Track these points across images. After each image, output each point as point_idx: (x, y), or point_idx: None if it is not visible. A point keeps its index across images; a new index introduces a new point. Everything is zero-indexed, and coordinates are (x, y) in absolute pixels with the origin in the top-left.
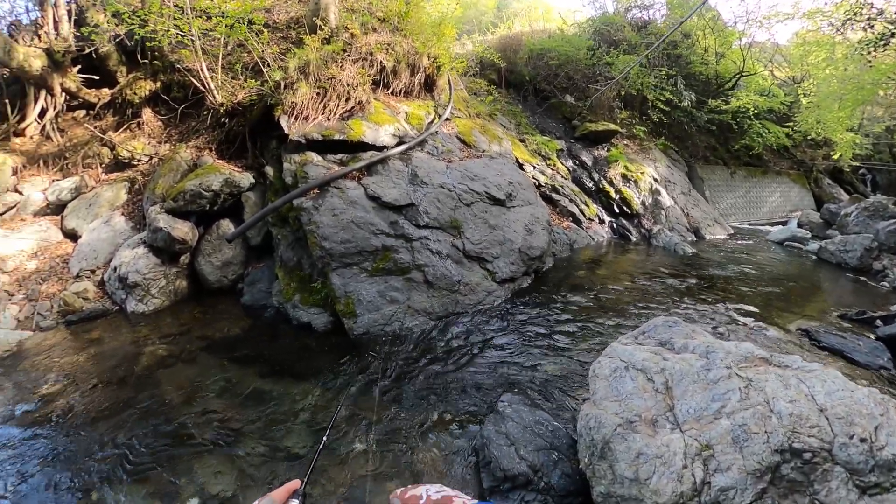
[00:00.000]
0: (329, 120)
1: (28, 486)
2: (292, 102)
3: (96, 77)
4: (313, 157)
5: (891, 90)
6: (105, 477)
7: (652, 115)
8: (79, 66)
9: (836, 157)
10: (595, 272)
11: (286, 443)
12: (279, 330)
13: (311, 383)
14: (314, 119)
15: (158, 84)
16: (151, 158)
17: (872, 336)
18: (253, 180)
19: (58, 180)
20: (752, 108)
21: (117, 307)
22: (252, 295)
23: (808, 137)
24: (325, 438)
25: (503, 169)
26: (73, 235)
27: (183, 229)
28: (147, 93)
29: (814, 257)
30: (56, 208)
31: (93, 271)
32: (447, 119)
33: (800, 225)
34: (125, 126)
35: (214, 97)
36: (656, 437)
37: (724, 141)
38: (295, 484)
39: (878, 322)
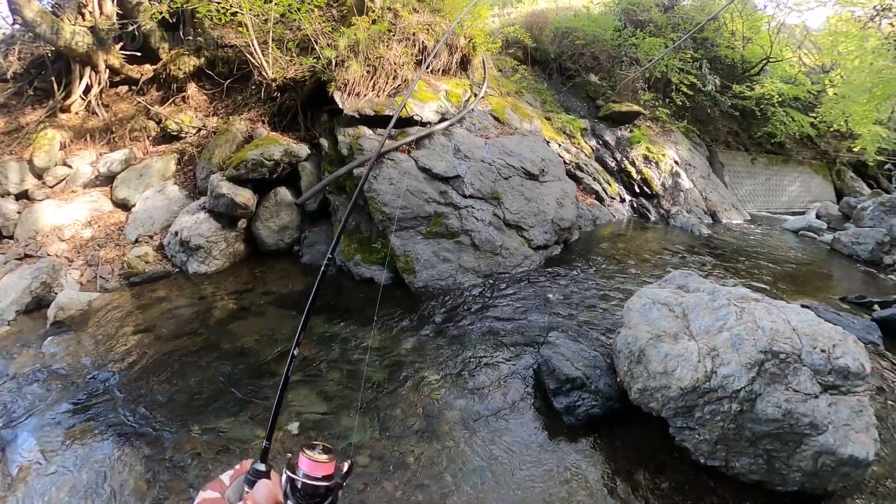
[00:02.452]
0: (378, 97)
1: (129, 424)
2: (345, 79)
3: (138, 53)
4: (366, 130)
5: None
6: (202, 409)
7: (675, 98)
8: (121, 44)
9: (857, 148)
10: (617, 245)
11: (363, 373)
12: (342, 285)
13: (378, 326)
14: (365, 95)
15: (202, 60)
16: (199, 130)
17: (868, 317)
18: (309, 151)
19: (105, 153)
20: (777, 96)
21: (177, 269)
22: (311, 255)
23: (834, 128)
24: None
25: (535, 146)
26: (123, 205)
27: (245, 195)
28: (191, 68)
29: (827, 247)
30: (105, 180)
31: (151, 236)
32: (482, 97)
33: (818, 216)
34: (170, 101)
35: (266, 73)
36: (678, 344)
37: (747, 127)
38: (245, 466)
39: (876, 307)
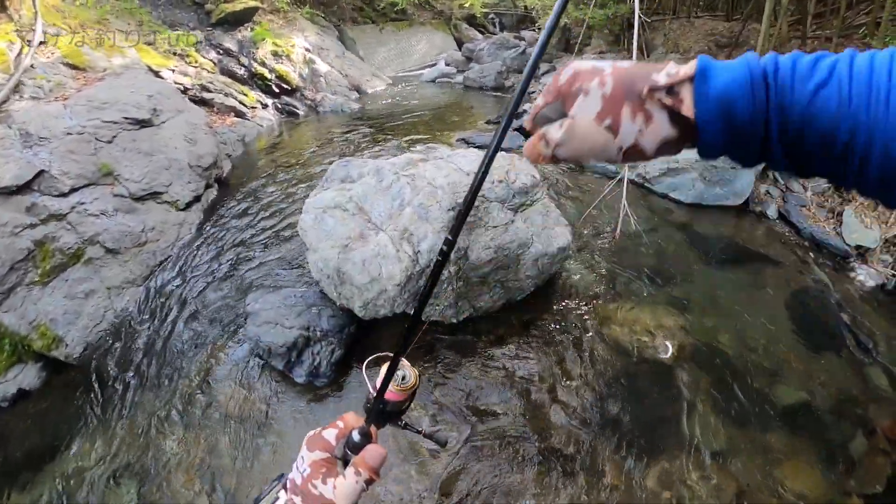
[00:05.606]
0: None
1: None
2: None
3: None
4: None
5: None
6: None
7: None
8: None
9: (468, 4)
10: (275, 155)
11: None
12: None
13: (76, 440)
14: None
15: None
16: None
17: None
18: None
19: None
20: None
21: None
22: None
23: None
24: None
25: (135, 84)
26: None
27: None
28: None
29: (461, 87)
30: None
31: None
32: (41, 43)
33: (447, 64)
34: None
35: None
36: (368, 244)
37: (370, 1)
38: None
39: None
